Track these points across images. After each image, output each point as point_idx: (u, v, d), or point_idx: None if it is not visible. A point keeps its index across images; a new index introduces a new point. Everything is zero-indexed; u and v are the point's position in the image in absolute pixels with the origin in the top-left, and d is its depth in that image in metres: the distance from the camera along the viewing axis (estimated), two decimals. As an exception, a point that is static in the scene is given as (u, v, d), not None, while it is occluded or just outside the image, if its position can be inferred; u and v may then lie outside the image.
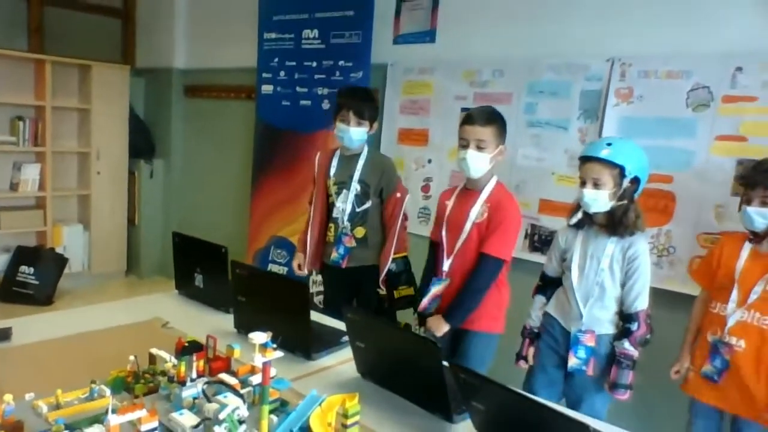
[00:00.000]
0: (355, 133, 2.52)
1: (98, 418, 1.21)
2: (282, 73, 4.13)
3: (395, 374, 1.54)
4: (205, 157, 4.99)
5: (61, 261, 4.51)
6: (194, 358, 1.39)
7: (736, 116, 2.45)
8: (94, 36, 5.16)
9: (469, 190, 2.28)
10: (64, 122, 4.72)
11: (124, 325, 1.89)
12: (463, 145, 2.19)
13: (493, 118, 2.20)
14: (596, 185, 1.98)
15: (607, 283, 2.05)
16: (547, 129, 2.99)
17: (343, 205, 2.60)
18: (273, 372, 1.45)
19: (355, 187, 2.58)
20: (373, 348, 1.58)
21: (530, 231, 3.10)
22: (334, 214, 2.64)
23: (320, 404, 1.28)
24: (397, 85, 3.59)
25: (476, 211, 2.22)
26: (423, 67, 3.46)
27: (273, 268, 4.19)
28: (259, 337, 1.24)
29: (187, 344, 1.38)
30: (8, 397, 1.23)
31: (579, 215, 2.11)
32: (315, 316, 2.07)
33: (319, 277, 3.01)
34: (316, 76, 3.94)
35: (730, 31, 2.47)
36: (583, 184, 2.03)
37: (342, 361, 1.72)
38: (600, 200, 1.99)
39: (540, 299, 2.27)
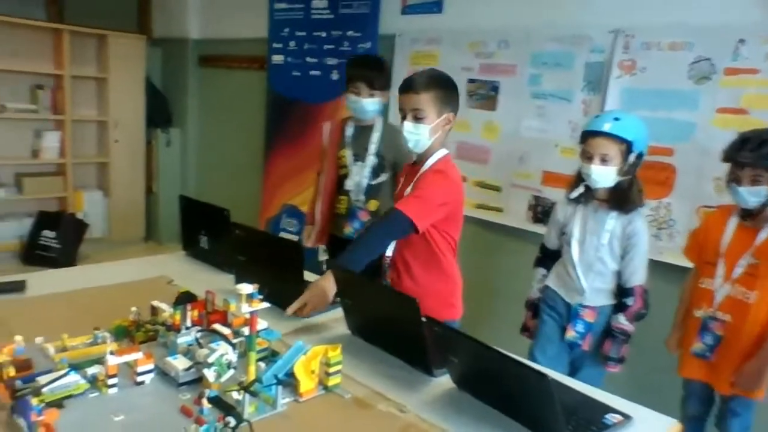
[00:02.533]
0: (367, 104, 2.47)
1: (99, 360, 1.31)
2: (292, 44, 4.18)
3: (381, 330, 1.62)
4: (220, 126, 5.08)
5: (82, 226, 4.67)
6: (188, 307, 1.48)
7: (737, 89, 2.45)
8: (110, 6, 5.25)
9: (414, 165, 1.99)
10: (82, 91, 4.84)
11: (131, 282, 2.00)
12: (402, 116, 1.88)
13: (434, 83, 1.85)
14: (604, 161, 1.98)
15: (606, 258, 2.09)
16: (550, 101, 3.01)
17: (358, 177, 2.58)
18: (264, 324, 1.55)
19: (371, 159, 2.56)
20: (360, 305, 1.66)
21: (533, 202, 3.13)
22: (346, 186, 2.60)
23: (305, 353, 1.37)
24: (405, 56, 3.61)
25: (412, 186, 1.90)
26: (430, 37, 3.47)
27: (284, 235, 4.30)
28: (246, 288, 1.32)
29: (180, 294, 1.47)
30: (18, 338, 1.34)
31: (580, 189, 2.10)
32: (313, 278, 2.15)
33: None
34: (326, 47, 3.98)
35: (732, 3, 2.46)
36: (589, 158, 2.01)
37: (334, 319, 1.81)
38: (607, 176, 2.00)
39: (540, 271, 2.32)
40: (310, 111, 4.11)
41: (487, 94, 3.24)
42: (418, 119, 1.85)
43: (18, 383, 1.23)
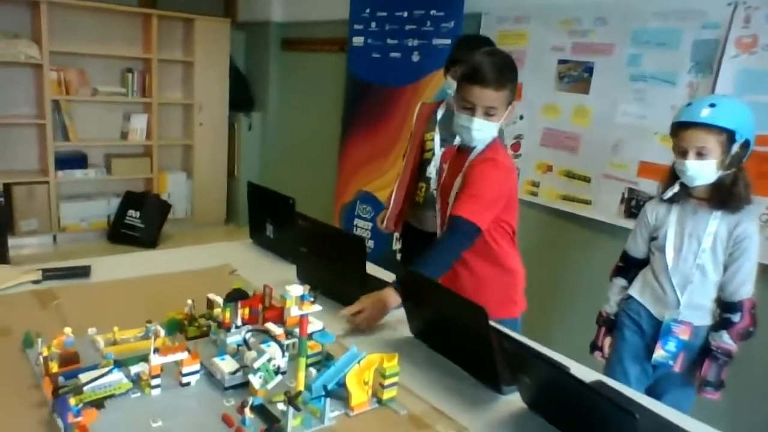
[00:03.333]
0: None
1: (146, 357, 1.25)
2: (373, 24, 4.04)
3: (446, 338, 1.47)
4: (300, 110, 5.06)
5: (166, 207, 4.81)
6: (239, 305, 1.39)
7: None
8: (199, -10, 5.34)
9: (461, 152, 1.86)
10: (169, 75, 4.96)
11: (193, 270, 1.95)
12: (467, 107, 1.72)
13: (508, 77, 1.70)
14: (700, 155, 1.71)
15: (708, 267, 1.80)
16: (651, 83, 2.70)
17: (440, 164, 2.45)
18: (318, 325, 1.44)
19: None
20: (425, 309, 1.51)
21: (627, 195, 2.85)
22: (428, 173, 2.45)
23: (359, 362, 1.24)
24: (491, 36, 3.31)
25: (462, 177, 1.80)
26: (518, 15, 3.23)
27: (358, 222, 4.21)
28: (296, 290, 1.21)
29: (233, 291, 1.39)
30: (67, 330, 1.29)
31: (675, 188, 1.83)
32: (383, 273, 2.03)
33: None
34: (407, 27, 3.81)
35: None
36: (683, 153, 1.74)
37: (398, 319, 1.67)
38: (706, 172, 1.73)
39: (620, 282, 2.05)
40: (389, 95, 3.97)
41: (579, 76, 2.97)
42: (489, 116, 1.71)
43: (61, 379, 1.18)
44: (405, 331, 1.61)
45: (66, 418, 1.04)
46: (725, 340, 1.77)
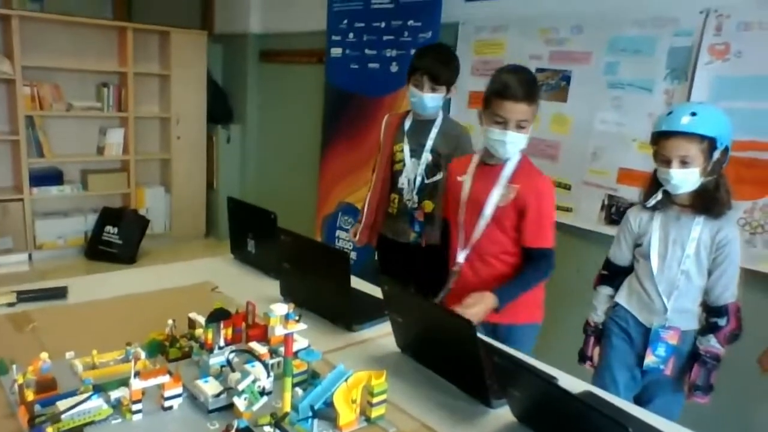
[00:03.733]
0: (428, 99, 2.31)
1: (126, 381, 1.21)
2: (351, 35, 4.04)
3: (433, 352, 1.46)
4: (279, 122, 5.03)
5: (144, 222, 4.74)
6: (221, 325, 1.36)
7: None
8: (175, 2, 5.29)
9: (488, 165, 1.99)
10: (145, 88, 4.90)
11: (174, 288, 1.91)
12: (498, 122, 1.86)
13: (536, 90, 1.89)
14: (684, 163, 1.72)
15: (692, 272, 1.81)
16: (629, 91, 2.73)
17: (412, 175, 2.41)
18: (304, 343, 1.42)
19: (426, 156, 2.38)
20: (411, 323, 1.50)
21: (607, 202, 2.87)
22: (400, 184, 2.45)
23: (346, 380, 1.22)
24: (468, 45, 3.39)
25: (498, 192, 1.94)
26: (496, 25, 3.25)
27: (340, 234, 4.19)
28: (280, 308, 1.19)
29: (214, 311, 1.36)
30: (44, 355, 1.25)
31: (659, 196, 1.84)
32: (366, 286, 2.01)
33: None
34: (385, 38, 3.82)
35: None
36: (667, 162, 1.75)
37: (384, 334, 1.65)
38: (690, 180, 1.74)
39: (605, 291, 2.04)
40: (368, 105, 3.97)
41: (557, 84, 2.99)
42: (521, 128, 1.87)
43: (37, 407, 1.14)
44: (392, 345, 1.59)
45: (43, 448, 1.00)
46: (713, 344, 1.78)
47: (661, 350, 1.83)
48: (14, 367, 1.23)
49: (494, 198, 1.93)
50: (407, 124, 2.46)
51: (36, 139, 4.41)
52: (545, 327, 2.10)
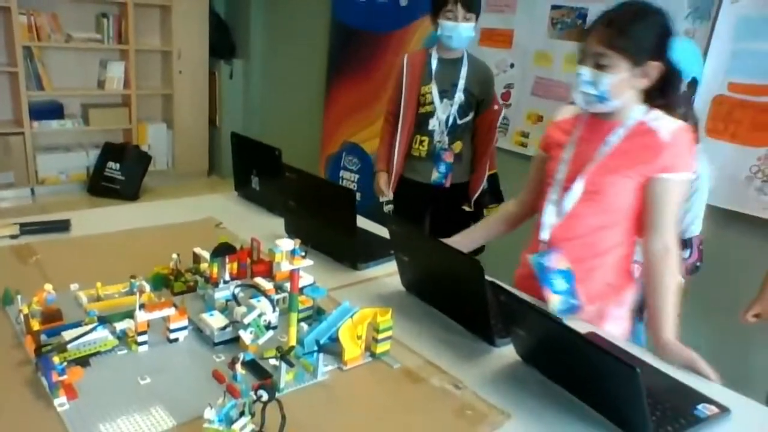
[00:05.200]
0: (464, 30, 2.24)
1: (131, 314, 1.21)
2: (358, -34, 3.88)
3: (438, 291, 1.45)
4: (283, 58, 4.90)
5: (146, 158, 4.70)
6: (226, 260, 1.35)
7: None
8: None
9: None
10: (145, 20, 4.76)
11: (178, 223, 1.90)
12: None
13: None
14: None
15: None
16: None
17: (443, 116, 2.37)
18: (309, 279, 1.41)
19: (460, 96, 2.35)
20: (417, 262, 1.48)
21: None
22: (430, 126, 2.42)
23: (351, 316, 1.22)
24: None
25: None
26: (510, -43, 3.11)
27: (344, 174, 4.15)
28: (286, 244, 1.17)
29: (219, 245, 1.34)
30: (48, 287, 1.24)
31: None
32: (372, 226, 2.00)
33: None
34: (395, -32, 3.67)
35: None
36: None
37: (389, 273, 1.65)
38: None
39: None
40: (375, 41, 3.85)
41: (573, 23, 2.88)
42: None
43: (44, 337, 1.14)
44: (397, 284, 1.59)
45: (50, 376, 1.01)
46: None
47: None
48: (19, 297, 1.23)
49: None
50: (434, 63, 2.38)
51: (35, 72, 4.32)
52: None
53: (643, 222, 1.47)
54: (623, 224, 1.50)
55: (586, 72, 1.41)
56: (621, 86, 1.40)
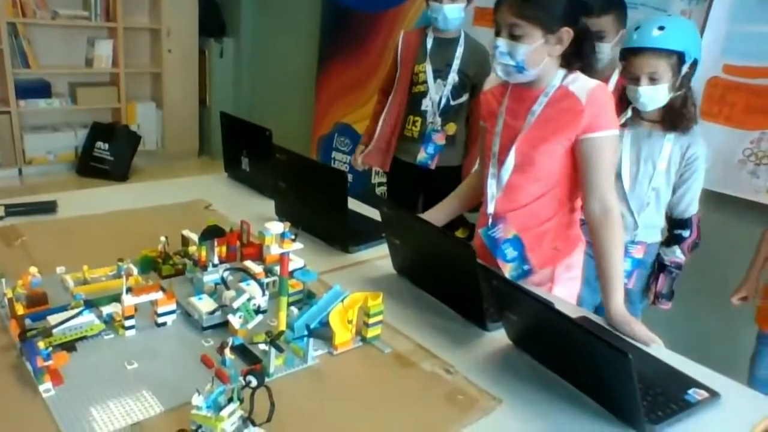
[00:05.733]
0: (449, 11, 2.22)
1: (118, 297, 1.19)
2: (351, -57, 3.80)
3: (430, 275, 1.44)
4: (274, 37, 4.83)
5: (135, 138, 4.64)
6: (215, 243, 1.33)
7: None
8: None
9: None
10: (134, -4, 4.66)
11: (166, 205, 1.87)
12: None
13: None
14: (653, 80, 1.71)
15: (662, 188, 1.86)
16: (642, 11, 2.59)
17: (436, 96, 2.36)
18: (300, 263, 1.40)
19: (453, 77, 2.33)
20: (409, 246, 1.47)
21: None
22: (423, 107, 2.40)
23: (342, 300, 1.20)
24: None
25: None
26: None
27: (336, 155, 4.12)
28: (276, 227, 1.15)
29: (208, 228, 1.32)
30: (33, 270, 1.22)
31: (628, 114, 1.83)
32: (363, 208, 1.98)
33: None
34: (387, -53, 3.60)
35: None
36: (635, 80, 1.73)
37: (380, 256, 1.63)
38: (658, 97, 1.74)
39: None
40: (367, 21, 3.79)
41: (566, 3, 2.85)
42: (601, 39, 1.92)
43: (28, 321, 1.12)
44: (388, 267, 1.58)
45: (35, 362, 0.99)
46: (677, 254, 1.89)
47: (627, 264, 1.86)
48: (3, 281, 1.21)
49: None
50: (429, 43, 2.36)
51: (20, 49, 4.24)
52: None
53: (579, 185, 1.49)
54: (561, 189, 1.52)
55: (502, 43, 1.42)
56: (537, 54, 1.41)
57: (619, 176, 1.85)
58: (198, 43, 4.96)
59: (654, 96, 1.73)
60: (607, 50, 1.99)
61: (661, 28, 1.68)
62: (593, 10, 1.89)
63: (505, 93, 1.56)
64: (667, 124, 1.79)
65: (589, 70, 1.47)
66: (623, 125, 1.82)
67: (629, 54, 1.75)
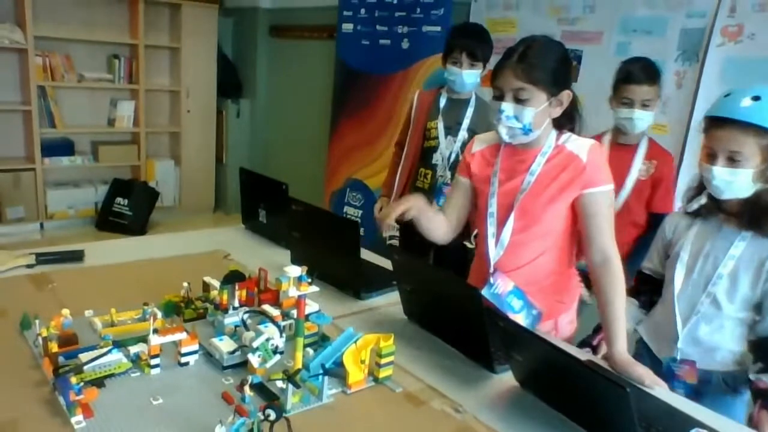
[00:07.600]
0: (467, 77, 2.35)
1: (144, 338, 1.26)
2: (362, 11, 4.04)
3: (439, 319, 1.50)
4: (289, 97, 5.04)
5: (154, 194, 4.78)
6: (236, 287, 1.40)
7: None
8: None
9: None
10: (156, 61, 4.92)
11: (187, 255, 1.96)
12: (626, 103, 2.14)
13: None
14: (733, 160, 1.37)
15: (721, 297, 1.47)
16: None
17: (446, 152, 2.47)
18: (315, 307, 1.47)
19: (463, 135, 2.45)
20: (419, 291, 1.54)
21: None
22: (433, 161, 2.51)
23: (355, 342, 1.26)
24: (479, 23, 3.39)
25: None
26: (507, 2, 3.25)
27: (348, 210, 4.23)
28: (294, 270, 1.23)
29: (229, 273, 1.40)
30: (65, 312, 1.30)
31: (702, 200, 1.51)
32: (375, 258, 2.06)
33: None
34: (397, 14, 3.82)
35: None
36: (711, 156, 1.41)
37: (392, 303, 1.70)
38: (738, 183, 1.39)
39: (633, 302, 1.67)
40: (378, 82, 3.98)
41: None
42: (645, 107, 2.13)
43: (61, 359, 1.19)
44: (399, 313, 1.64)
45: (68, 396, 1.05)
46: None
47: (680, 391, 1.48)
48: (37, 321, 1.28)
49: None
50: (442, 101, 2.50)
51: (48, 110, 4.45)
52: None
53: (581, 238, 1.55)
54: (563, 245, 1.59)
55: (508, 107, 1.47)
56: (541, 117, 1.49)
57: (673, 270, 1.56)
58: (216, 103, 5.17)
59: (732, 181, 1.39)
60: (650, 118, 2.12)
61: (756, 98, 1.35)
62: (641, 80, 2.07)
63: (496, 154, 1.63)
64: (746, 220, 1.43)
65: (573, 132, 1.57)
66: (696, 213, 1.55)
67: (710, 125, 1.43)
